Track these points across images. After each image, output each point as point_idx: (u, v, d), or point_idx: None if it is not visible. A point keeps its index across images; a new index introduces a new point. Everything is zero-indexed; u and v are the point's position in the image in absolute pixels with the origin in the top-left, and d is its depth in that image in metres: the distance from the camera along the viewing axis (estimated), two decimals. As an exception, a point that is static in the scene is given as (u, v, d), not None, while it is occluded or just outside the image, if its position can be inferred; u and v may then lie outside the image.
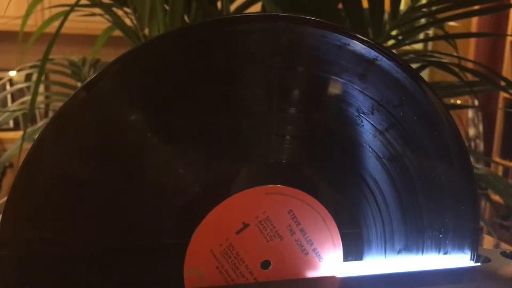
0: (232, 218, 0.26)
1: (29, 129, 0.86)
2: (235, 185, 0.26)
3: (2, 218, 0.23)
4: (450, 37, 0.85)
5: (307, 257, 0.27)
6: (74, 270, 0.25)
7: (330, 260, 0.28)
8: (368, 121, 0.28)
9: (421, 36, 0.99)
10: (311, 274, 0.27)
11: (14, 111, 1.01)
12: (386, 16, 0.70)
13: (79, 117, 0.24)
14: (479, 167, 0.90)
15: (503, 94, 2.13)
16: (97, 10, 0.83)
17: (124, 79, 0.25)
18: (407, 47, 0.83)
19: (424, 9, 0.71)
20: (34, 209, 0.24)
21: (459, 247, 0.29)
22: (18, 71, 1.01)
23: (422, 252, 0.29)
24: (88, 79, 0.24)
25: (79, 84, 0.98)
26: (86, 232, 0.25)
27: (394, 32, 0.70)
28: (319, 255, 0.27)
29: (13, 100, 1.71)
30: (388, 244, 0.29)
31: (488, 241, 0.41)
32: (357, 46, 0.27)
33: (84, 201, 0.25)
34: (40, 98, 1.16)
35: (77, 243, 0.25)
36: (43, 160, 0.24)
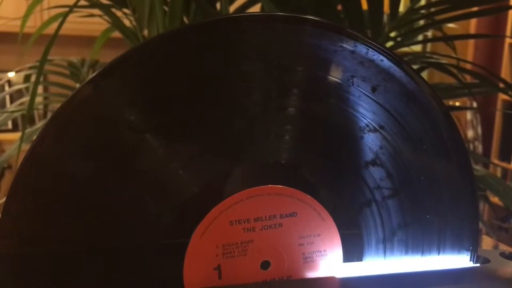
0: (201, 273, 0.26)
1: (27, 130, 0.85)
2: (234, 185, 0.26)
3: (1, 216, 0.23)
4: (448, 39, 0.86)
5: (283, 227, 0.27)
6: (73, 269, 0.25)
7: (305, 212, 0.27)
8: (368, 121, 0.28)
9: (420, 37, 0.99)
10: (300, 231, 0.27)
11: (12, 112, 1.00)
12: (385, 17, 0.70)
13: (79, 116, 0.24)
14: (478, 168, 0.90)
15: (501, 96, 2.13)
16: (96, 11, 0.83)
17: (123, 79, 0.25)
18: (406, 49, 0.83)
19: (423, 11, 0.71)
20: (34, 207, 0.24)
21: (459, 248, 0.29)
22: (16, 72, 1.01)
23: (422, 253, 0.29)
24: (88, 78, 0.24)
25: (77, 85, 0.98)
26: (84, 231, 0.25)
27: (393, 34, 0.70)
28: (290, 214, 0.27)
29: (11, 101, 1.70)
30: (387, 245, 0.29)
31: (486, 242, 0.41)
32: (355, 45, 0.27)
33: (83, 200, 0.25)
34: (38, 99, 1.16)
35: (76, 242, 0.25)
36: (44, 158, 0.24)
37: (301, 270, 0.28)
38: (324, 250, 0.28)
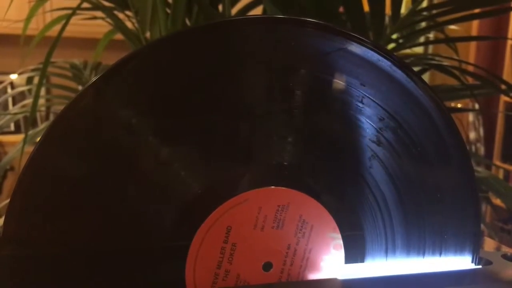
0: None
1: (30, 132, 0.86)
2: (236, 187, 0.26)
3: (4, 218, 0.24)
4: (450, 41, 0.86)
5: (242, 240, 0.27)
6: (74, 271, 0.25)
7: (240, 211, 0.26)
8: (370, 123, 0.28)
9: (422, 39, 0.99)
10: (250, 223, 0.27)
11: (15, 114, 1.01)
12: (387, 19, 0.70)
13: (81, 119, 0.24)
14: (480, 170, 0.90)
15: (503, 98, 2.13)
16: (98, 14, 0.83)
17: (125, 82, 0.25)
18: (408, 51, 0.83)
19: (425, 13, 0.71)
20: (37, 210, 0.24)
21: (461, 250, 0.29)
22: (19, 74, 1.01)
23: (424, 254, 0.29)
24: (90, 81, 0.24)
25: (80, 87, 0.98)
26: (87, 233, 0.25)
27: (394, 36, 0.70)
28: (228, 229, 0.27)
29: (14, 103, 1.71)
30: (389, 247, 0.29)
31: (488, 244, 0.41)
32: (357, 48, 0.27)
33: (85, 203, 0.25)
34: (41, 101, 1.16)
35: (78, 244, 0.25)
36: (47, 161, 0.24)
37: (291, 234, 0.27)
38: (282, 205, 0.27)
